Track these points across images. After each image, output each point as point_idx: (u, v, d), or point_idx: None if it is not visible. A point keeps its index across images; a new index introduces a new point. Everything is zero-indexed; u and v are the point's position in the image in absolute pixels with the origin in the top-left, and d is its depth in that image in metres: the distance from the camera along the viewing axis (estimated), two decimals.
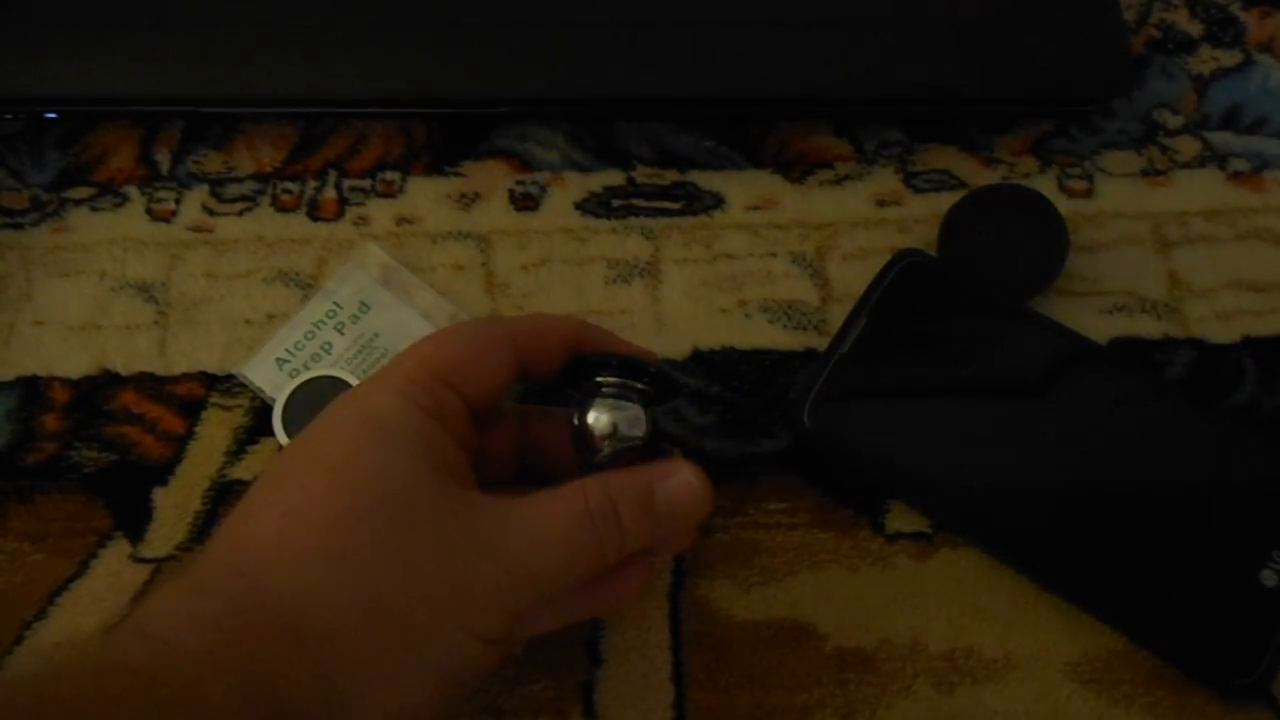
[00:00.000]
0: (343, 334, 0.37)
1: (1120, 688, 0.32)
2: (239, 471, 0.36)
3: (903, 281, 0.37)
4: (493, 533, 0.26)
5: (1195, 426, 0.34)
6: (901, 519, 0.35)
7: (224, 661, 0.24)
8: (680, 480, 0.29)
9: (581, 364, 0.30)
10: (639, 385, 0.30)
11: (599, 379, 0.30)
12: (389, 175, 0.41)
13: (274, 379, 0.37)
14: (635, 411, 0.29)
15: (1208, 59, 0.43)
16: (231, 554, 0.26)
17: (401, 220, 0.40)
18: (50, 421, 0.36)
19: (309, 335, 0.37)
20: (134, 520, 0.35)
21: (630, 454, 0.29)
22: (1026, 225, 0.38)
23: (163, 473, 0.36)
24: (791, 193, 0.40)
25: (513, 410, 0.32)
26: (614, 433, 0.29)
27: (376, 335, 0.37)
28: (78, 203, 0.40)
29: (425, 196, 0.40)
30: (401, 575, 0.25)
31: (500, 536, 0.26)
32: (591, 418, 0.29)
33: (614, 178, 0.41)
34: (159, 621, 0.24)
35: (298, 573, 0.25)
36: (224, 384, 0.37)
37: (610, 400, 0.29)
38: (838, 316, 0.37)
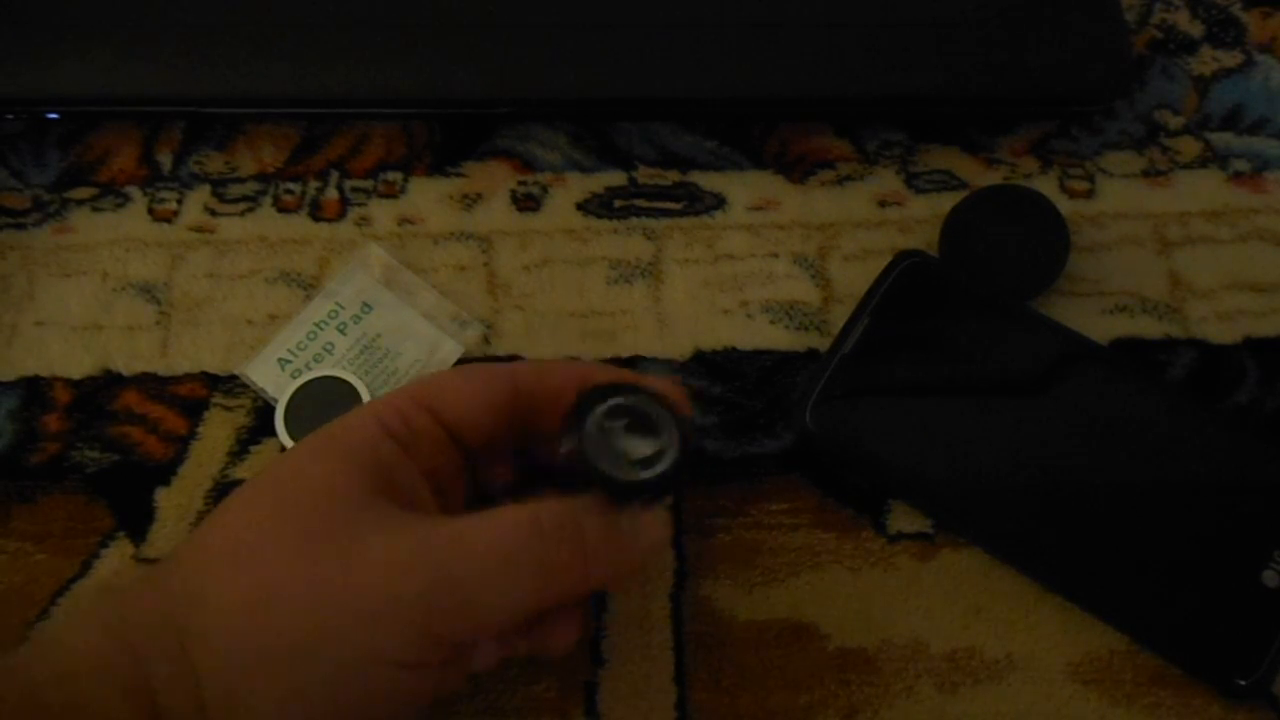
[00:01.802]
0: (345, 334, 0.37)
1: (1122, 688, 0.32)
2: (241, 472, 0.36)
3: (904, 282, 0.37)
4: (418, 549, 0.24)
5: (1196, 427, 0.35)
6: (903, 519, 0.35)
7: (111, 664, 0.24)
8: (648, 515, 0.27)
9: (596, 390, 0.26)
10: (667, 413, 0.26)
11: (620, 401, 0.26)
12: (391, 176, 0.41)
13: (276, 379, 0.37)
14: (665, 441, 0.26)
15: (1209, 60, 0.43)
16: (166, 561, 0.26)
17: (403, 221, 0.40)
18: (52, 422, 0.37)
19: (311, 336, 0.37)
20: (136, 520, 0.35)
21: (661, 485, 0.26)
22: (1027, 226, 0.38)
23: (165, 473, 0.36)
24: (793, 193, 0.40)
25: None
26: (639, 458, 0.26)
27: (378, 336, 0.37)
28: (79, 203, 0.40)
29: (427, 197, 0.40)
30: (299, 585, 0.24)
31: (426, 551, 0.24)
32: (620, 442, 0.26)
33: (616, 178, 0.41)
34: (72, 624, 0.25)
35: (198, 571, 0.25)
36: (226, 384, 0.37)
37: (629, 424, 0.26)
38: (839, 317, 0.37)
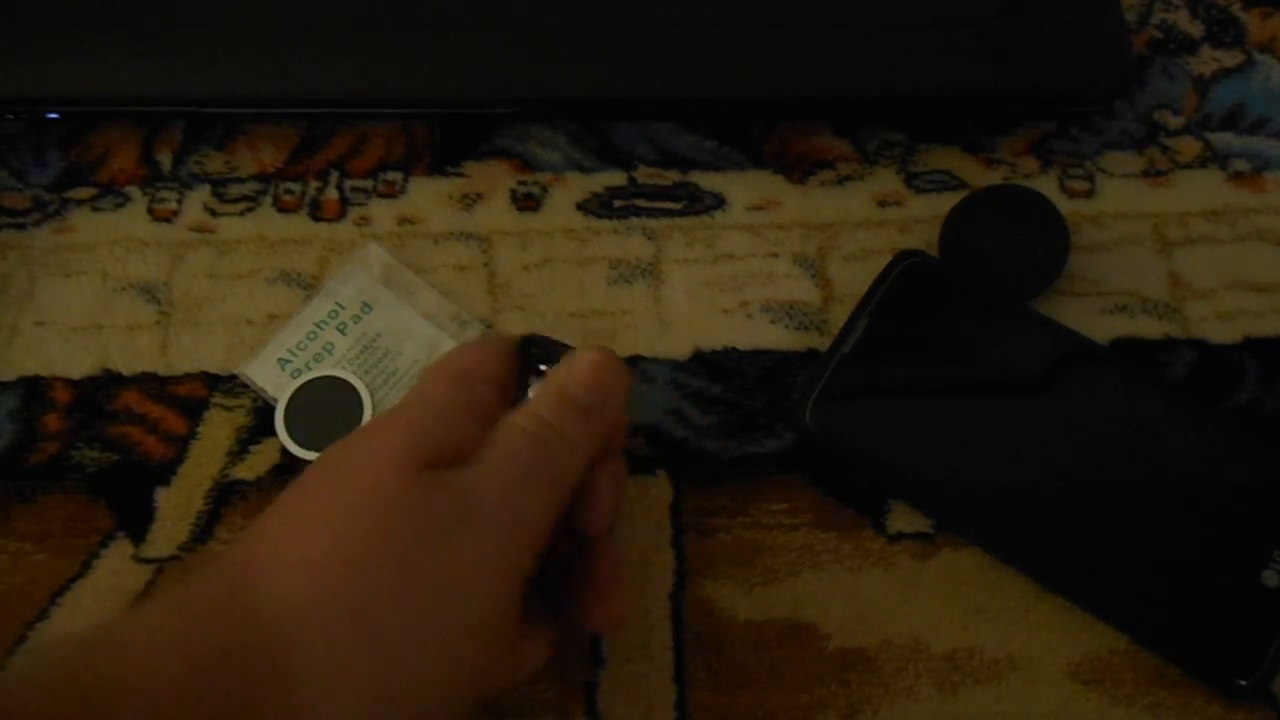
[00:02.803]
0: (345, 334, 0.37)
1: (1122, 688, 0.32)
2: (241, 472, 0.36)
3: (904, 282, 0.37)
4: (470, 504, 0.26)
5: (1196, 427, 0.35)
6: (903, 519, 0.35)
7: (194, 687, 0.23)
8: (580, 362, 0.29)
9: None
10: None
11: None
12: (391, 176, 0.41)
13: (276, 379, 0.37)
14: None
15: (1209, 59, 0.43)
16: (228, 565, 0.26)
17: (403, 220, 0.40)
18: (52, 421, 0.37)
19: (311, 335, 0.37)
20: (136, 520, 0.35)
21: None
22: (1027, 226, 0.38)
23: (165, 473, 0.36)
24: (793, 193, 0.40)
25: None
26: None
27: (379, 335, 0.37)
28: (79, 203, 0.40)
29: (427, 197, 0.40)
30: (390, 577, 0.25)
31: (476, 499, 0.26)
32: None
33: (615, 178, 0.41)
34: (138, 636, 0.24)
35: (282, 580, 0.25)
36: (226, 384, 0.37)
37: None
38: (839, 317, 0.37)
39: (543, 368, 0.31)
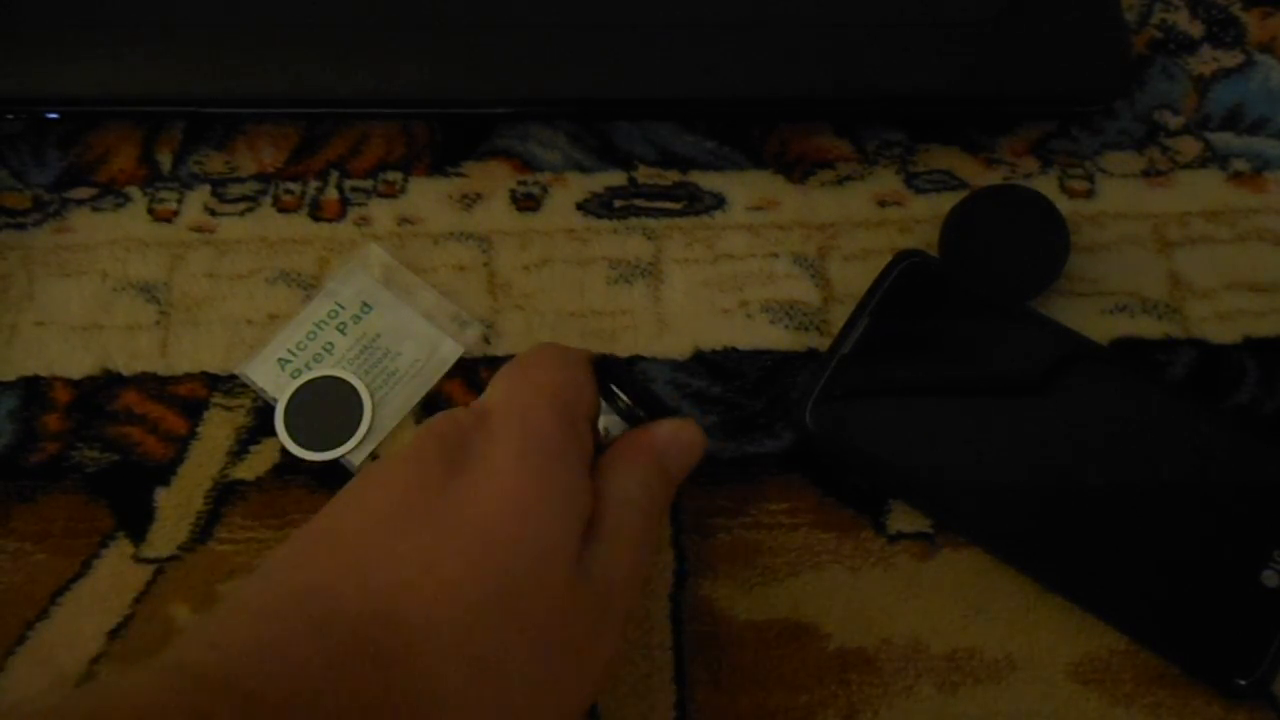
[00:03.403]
0: (345, 334, 0.37)
1: (1122, 688, 0.32)
2: (241, 472, 0.36)
3: (904, 282, 0.37)
4: (607, 606, 0.26)
5: (1196, 427, 0.35)
6: (903, 519, 0.35)
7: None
8: (681, 436, 0.30)
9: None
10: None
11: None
12: (391, 175, 0.41)
13: (276, 379, 0.37)
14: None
15: (1209, 59, 0.43)
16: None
17: (403, 220, 0.40)
18: (52, 421, 0.37)
19: (311, 335, 0.37)
20: (136, 520, 0.35)
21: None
22: (1027, 226, 0.38)
23: (165, 473, 0.36)
24: (793, 193, 0.40)
25: None
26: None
27: (378, 335, 0.37)
28: (79, 203, 0.40)
29: (427, 197, 0.40)
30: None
31: (606, 593, 0.26)
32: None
33: (615, 178, 0.41)
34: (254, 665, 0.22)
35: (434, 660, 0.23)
36: (226, 384, 0.37)
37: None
38: (839, 317, 0.37)
39: (614, 388, 0.30)
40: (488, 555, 0.25)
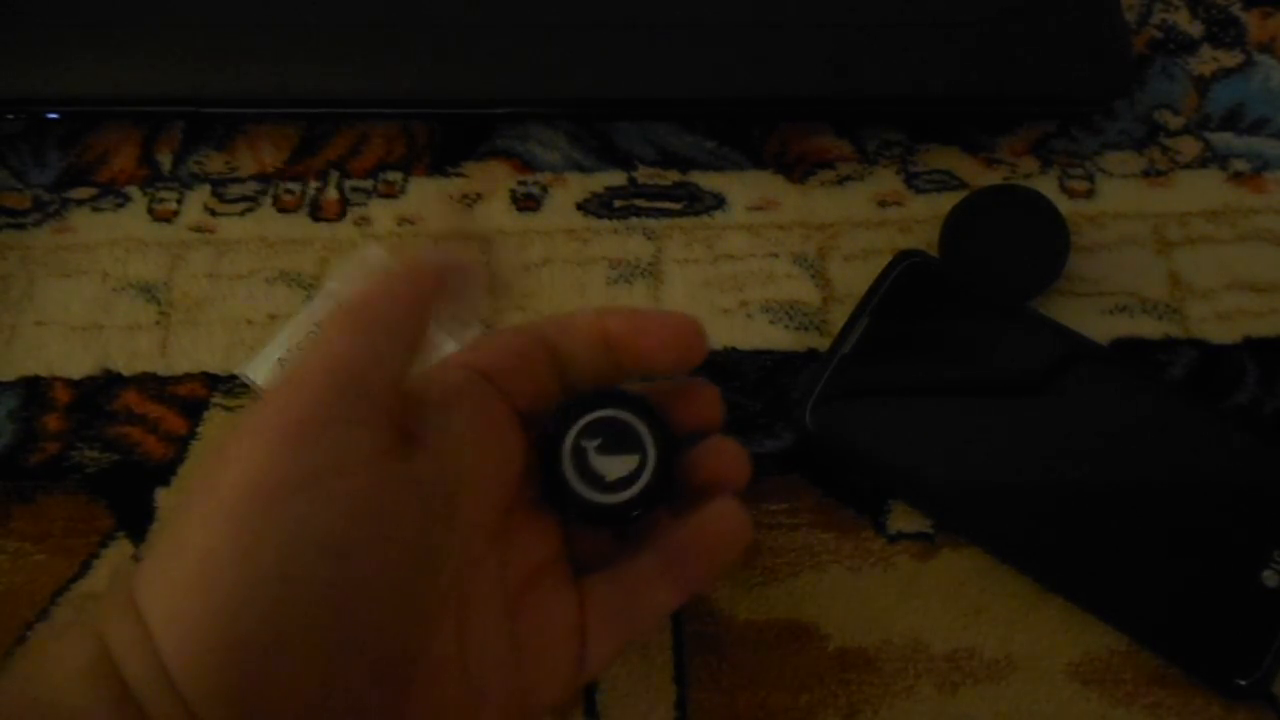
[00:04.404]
0: None
1: (1122, 688, 0.32)
2: None
3: (904, 282, 0.37)
4: None
5: (1196, 427, 0.35)
6: (903, 519, 0.35)
7: (76, 651, 0.22)
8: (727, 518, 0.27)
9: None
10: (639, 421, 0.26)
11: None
12: (391, 176, 0.41)
13: (276, 379, 0.37)
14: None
15: (1209, 59, 0.43)
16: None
17: (403, 221, 0.40)
18: (52, 422, 0.37)
19: (311, 335, 0.37)
20: (136, 521, 0.35)
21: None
22: (1027, 226, 0.38)
23: (165, 473, 0.36)
24: (793, 193, 0.40)
25: None
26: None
27: None
28: (79, 203, 0.40)
29: (427, 197, 0.40)
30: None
31: None
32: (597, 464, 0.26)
33: (615, 178, 0.41)
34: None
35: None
36: (226, 384, 0.37)
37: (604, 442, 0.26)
38: (839, 317, 0.37)
39: (589, 418, 0.27)
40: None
